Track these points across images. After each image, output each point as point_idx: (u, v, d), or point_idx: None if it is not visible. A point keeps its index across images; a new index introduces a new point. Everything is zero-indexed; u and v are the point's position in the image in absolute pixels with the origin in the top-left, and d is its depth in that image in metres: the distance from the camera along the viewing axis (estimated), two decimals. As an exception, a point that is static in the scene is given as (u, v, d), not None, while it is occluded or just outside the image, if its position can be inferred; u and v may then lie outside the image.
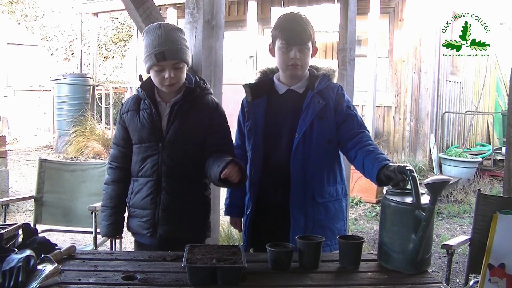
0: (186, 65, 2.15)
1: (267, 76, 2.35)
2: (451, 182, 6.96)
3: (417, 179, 1.78)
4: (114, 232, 2.29)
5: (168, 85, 2.11)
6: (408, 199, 1.80)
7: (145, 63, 2.12)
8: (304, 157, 2.18)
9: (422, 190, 1.82)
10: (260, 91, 2.29)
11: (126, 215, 2.33)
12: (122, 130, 2.24)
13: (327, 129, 2.20)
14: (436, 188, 1.73)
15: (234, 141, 2.41)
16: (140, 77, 2.25)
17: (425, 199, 1.78)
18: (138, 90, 2.21)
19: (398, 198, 1.83)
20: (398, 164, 1.87)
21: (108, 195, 2.28)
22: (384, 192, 1.91)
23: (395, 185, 1.89)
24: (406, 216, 1.78)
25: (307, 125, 2.17)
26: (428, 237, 1.80)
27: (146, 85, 2.20)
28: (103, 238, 3.15)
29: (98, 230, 2.69)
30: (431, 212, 1.72)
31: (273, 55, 2.27)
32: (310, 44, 2.20)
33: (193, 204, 2.20)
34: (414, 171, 1.82)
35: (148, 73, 2.16)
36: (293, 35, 2.15)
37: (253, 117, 2.26)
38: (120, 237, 2.36)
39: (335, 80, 2.31)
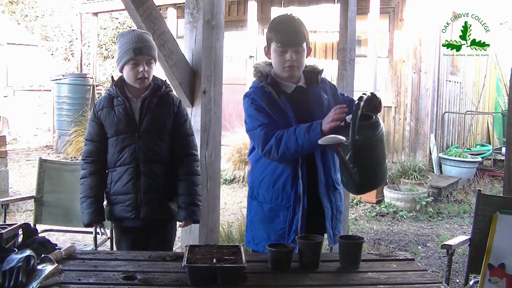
0: (154, 64, 2.46)
1: (266, 78, 2.33)
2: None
3: (359, 111, 1.94)
4: (97, 218, 2.47)
5: (141, 79, 2.39)
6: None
7: (120, 60, 2.40)
8: (323, 148, 2.25)
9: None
10: (277, 90, 2.28)
11: (104, 205, 2.52)
12: (97, 126, 2.47)
13: None
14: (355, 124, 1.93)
15: (257, 123, 2.25)
16: (112, 78, 2.52)
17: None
18: (110, 90, 2.47)
19: (343, 134, 1.98)
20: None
21: (88, 186, 2.46)
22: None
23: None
24: (343, 148, 1.99)
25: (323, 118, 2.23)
26: (368, 165, 2.03)
27: (118, 84, 2.47)
28: (103, 238, 3.15)
29: (98, 230, 2.69)
30: (356, 142, 1.94)
31: (269, 57, 2.32)
32: (304, 45, 2.26)
33: (168, 184, 2.48)
34: (363, 99, 2.00)
35: (121, 71, 2.45)
36: (288, 37, 2.21)
37: (283, 112, 2.23)
38: (102, 225, 2.53)
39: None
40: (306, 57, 2.30)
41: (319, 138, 2.03)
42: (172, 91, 2.57)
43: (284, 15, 2.33)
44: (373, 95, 2.12)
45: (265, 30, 2.46)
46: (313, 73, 2.35)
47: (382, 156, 2.11)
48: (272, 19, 2.35)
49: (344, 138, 1.93)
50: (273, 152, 2.18)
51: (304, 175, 2.25)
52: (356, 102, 1.98)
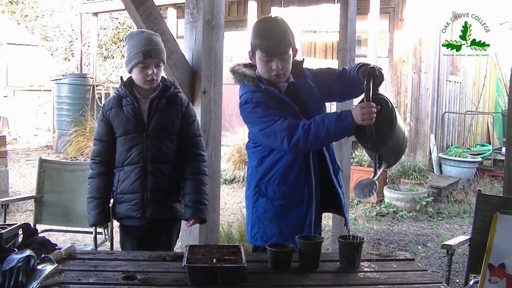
0: (163, 66, 2.48)
1: (258, 80, 2.29)
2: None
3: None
4: (103, 220, 2.51)
5: (150, 81, 2.41)
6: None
7: (129, 62, 2.41)
8: None
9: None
10: (277, 88, 2.27)
11: (111, 204, 2.54)
12: (106, 126, 2.49)
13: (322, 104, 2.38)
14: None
15: (272, 118, 2.20)
16: (121, 78, 2.54)
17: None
18: (118, 90, 2.49)
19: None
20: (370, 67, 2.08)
21: (95, 187, 2.50)
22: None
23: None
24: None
25: (318, 109, 2.29)
26: (393, 152, 2.21)
27: (127, 84, 2.49)
28: (103, 238, 3.15)
29: (98, 230, 2.70)
30: (379, 149, 2.11)
31: (254, 62, 2.28)
32: (290, 51, 2.21)
33: (174, 184, 2.51)
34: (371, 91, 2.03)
35: (130, 73, 2.46)
36: (272, 47, 2.16)
37: (290, 105, 2.23)
38: (107, 226, 2.59)
39: None
40: (293, 58, 2.26)
41: (352, 126, 2.04)
42: (180, 92, 2.59)
43: (268, 19, 2.28)
44: (374, 77, 2.05)
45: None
46: (297, 65, 2.32)
47: (401, 135, 2.19)
48: (255, 22, 2.29)
49: (375, 182, 2.07)
50: (301, 143, 2.10)
51: (316, 168, 2.26)
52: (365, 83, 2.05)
